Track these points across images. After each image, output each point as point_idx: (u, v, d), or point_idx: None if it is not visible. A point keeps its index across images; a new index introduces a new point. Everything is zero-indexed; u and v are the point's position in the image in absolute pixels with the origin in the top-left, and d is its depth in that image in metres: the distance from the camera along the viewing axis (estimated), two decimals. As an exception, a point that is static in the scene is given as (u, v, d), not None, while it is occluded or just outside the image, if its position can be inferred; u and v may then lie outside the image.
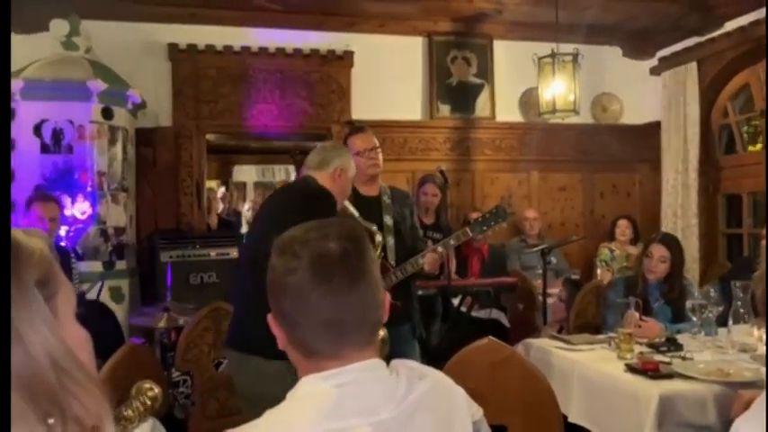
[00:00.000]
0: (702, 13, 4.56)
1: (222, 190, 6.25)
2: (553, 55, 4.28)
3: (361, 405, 0.87)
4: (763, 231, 3.62)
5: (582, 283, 4.01)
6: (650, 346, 2.46)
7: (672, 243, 2.91)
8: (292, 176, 7.46)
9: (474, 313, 3.93)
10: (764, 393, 1.73)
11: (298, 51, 4.74)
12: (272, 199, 2.40)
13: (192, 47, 4.55)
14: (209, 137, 4.87)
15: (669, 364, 2.20)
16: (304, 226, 0.97)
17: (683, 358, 2.27)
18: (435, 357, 3.25)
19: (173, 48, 4.53)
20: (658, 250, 2.86)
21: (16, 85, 3.65)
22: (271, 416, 0.88)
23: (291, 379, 1.78)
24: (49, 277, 0.58)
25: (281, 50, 4.70)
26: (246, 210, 7.84)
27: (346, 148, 2.44)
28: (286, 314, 0.92)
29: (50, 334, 0.55)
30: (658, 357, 2.28)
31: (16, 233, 0.59)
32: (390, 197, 2.75)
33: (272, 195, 2.53)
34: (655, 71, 5.15)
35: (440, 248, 2.64)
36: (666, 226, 4.89)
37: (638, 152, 5.36)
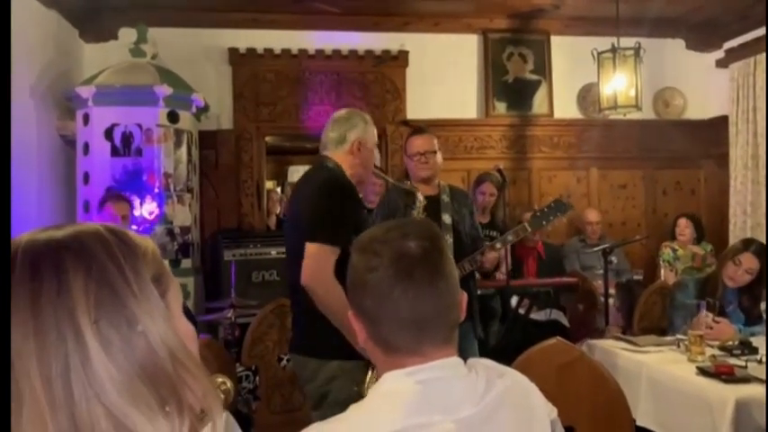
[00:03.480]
0: (773, 2, 4.35)
1: (278, 192, 6.38)
2: (614, 49, 4.17)
3: (444, 402, 0.88)
4: None
5: (646, 284, 3.90)
6: (722, 348, 2.38)
7: (764, 255, 2.73)
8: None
9: (533, 315, 3.87)
10: (765, 393, 1.65)
11: (353, 53, 4.79)
12: (295, 198, 2.25)
13: (251, 51, 4.67)
14: (267, 138, 4.98)
15: (744, 367, 2.12)
16: (383, 225, 1.00)
17: (760, 362, 2.19)
18: (493, 358, 3.23)
19: (233, 52, 4.66)
20: (749, 261, 2.68)
21: (89, 91, 3.83)
22: (356, 411, 0.91)
23: (345, 379, 1.82)
24: (162, 274, 0.62)
25: (336, 52, 4.77)
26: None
27: (361, 116, 2.21)
28: (367, 311, 0.95)
29: (167, 327, 0.59)
30: (732, 361, 2.20)
31: (131, 234, 0.63)
32: (450, 196, 2.74)
33: (294, 192, 2.34)
34: (721, 63, 4.94)
35: (498, 245, 2.63)
36: (735, 224, 4.69)
37: (702, 148, 5.16)
